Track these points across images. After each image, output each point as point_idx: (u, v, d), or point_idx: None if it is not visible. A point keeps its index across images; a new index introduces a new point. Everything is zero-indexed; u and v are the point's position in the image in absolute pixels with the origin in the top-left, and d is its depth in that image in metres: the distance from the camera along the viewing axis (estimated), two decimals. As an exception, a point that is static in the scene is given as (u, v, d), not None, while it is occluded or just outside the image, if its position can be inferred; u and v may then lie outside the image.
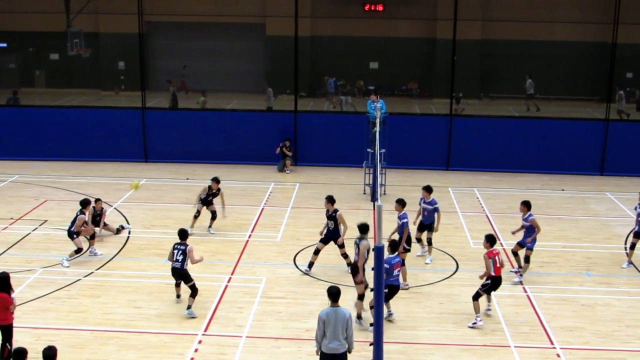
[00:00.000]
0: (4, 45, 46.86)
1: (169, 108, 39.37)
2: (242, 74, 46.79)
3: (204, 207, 24.95)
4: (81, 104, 41.13)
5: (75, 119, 35.29)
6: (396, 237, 20.35)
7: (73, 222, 22.16)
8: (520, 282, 20.99)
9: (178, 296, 19.41)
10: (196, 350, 17.00)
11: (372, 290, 14.48)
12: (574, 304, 19.82)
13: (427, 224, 22.40)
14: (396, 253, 18.36)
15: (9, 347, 15.50)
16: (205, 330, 17.94)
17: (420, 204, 22.63)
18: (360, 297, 18.13)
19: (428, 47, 47.14)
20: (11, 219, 25.95)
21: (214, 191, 24.97)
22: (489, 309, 18.93)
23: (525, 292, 20.41)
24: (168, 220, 26.08)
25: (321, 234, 21.67)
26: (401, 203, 21.04)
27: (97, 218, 23.58)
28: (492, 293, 19.16)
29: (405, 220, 20.71)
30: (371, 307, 17.17)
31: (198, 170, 32.78)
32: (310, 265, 21.66)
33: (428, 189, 22.47)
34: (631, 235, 23.32)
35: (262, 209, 27.84)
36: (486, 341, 17.67)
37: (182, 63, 47.91)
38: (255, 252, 23.30)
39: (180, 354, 16.80)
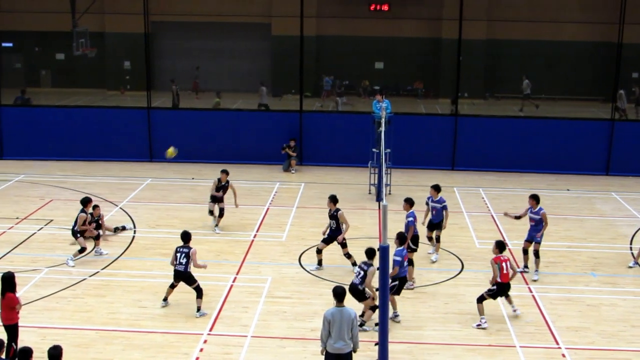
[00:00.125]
0: (10, 45, 46.90)
1: (171, 107, 39.45)
2: (247, 73, 46.81)
3: (215, 205, 25.04)
4: (87, 104, 41.18)
5: (81, 118, 35.35)
6: None
7: (76, 222, 22.24)
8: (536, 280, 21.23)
9: (165, 299, 19.23)
10: (201, 349, 17.01)
11: (377, 289, 14.44)
12: (579, 304, 19.80)
13: (437, 222, 22.54)
14: (404, 246, 18.58)
15: (14, 346, 15.52)
16: (211, 330, 17.96)
17: (427, 203, 22.72)
18: (372, 308, 18.07)
19: (433, 47, 47.15)
20: (17, 218, 25.99)
21: (223, 183, 25.00)
22: (515, 310, 18.83)
23: (531, 292, 20.40)
24: (173, 220, 26.11)
25: (324, 233, 21.72)
26: (409, 202, 21.13)
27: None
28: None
29: (410, 219, 20.73)
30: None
31: (203, 170, 32.81)
32: (320, 262, 21.74)
33: (436, 188, 22.58)
34: (638, 234, 23.29)
35: (268, 208, 27.86)
36: (491, 341, 17.66)
37: (188, 63, 47.99)
38: (261, 251, 23.31)
39: (185, 354, 16.80)
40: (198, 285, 18.78)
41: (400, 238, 18.76)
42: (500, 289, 18.38)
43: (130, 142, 34.88)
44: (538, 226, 21.34)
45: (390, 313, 18.45)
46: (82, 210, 22.38)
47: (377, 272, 15.04)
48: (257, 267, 21.97)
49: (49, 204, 27.65)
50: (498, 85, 46.92)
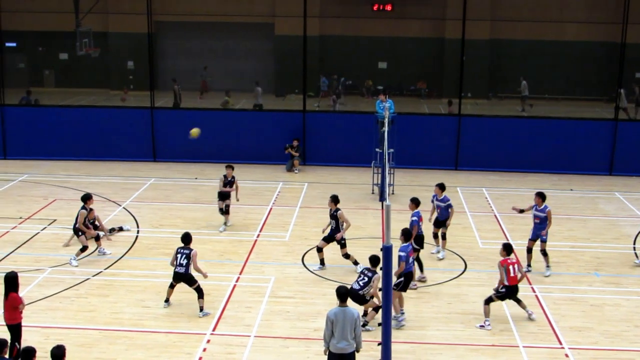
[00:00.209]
0: (14, 44, 46.91)
1: (174, 107, 39.48)
2: (250, 73, 46.81)
3: (223, 203, 25.19)
4: (90, 104, 41.21)
5: (84, 118, 35.35)
6: None
7: (77, 219, 22.27)
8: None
9: (167, 300, 19.22)
10: (204, 349, 17.02)
11: (380, 290, 14.45)
12: (582, 304, 19.79)
13: (442, 220, 22.72)
14: (409, 242, 18.64)
15: (17, 346, 15.54)
16: (214, 330, 17.96)
17: (432, 202, 22.79)
18: (375, 308, 18.07)
19: (437, 47, 47.13)
20: (20, 218, 26.01)
21: (230, 179, 25.09)
22: (531, 314, 18.79)
23: (534, 292, 20.38)
24: (177, 220, 26.12)
25: (323, 232, 21.82)
26: (415, 202, 21.19)
27: (80, 233, 22.83)
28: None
29: (414, 219, 20.74)
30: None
31: (206, 170, 32.83)
32: (322, 261, 21.78)
33: (441, 187, 22.71)
34: None
35: (271, 208, 27.86)
36: (494, 341, 17.65)
37: (191, 63, 47.98)
38: (264, 251, 23.32)
39: (188, 354, 16.82)
40: (198, 286, 18.77)
41: (406, 234, 18.78)
42: (508, 291, 18.36)
43: (134, 142, 34.88)
44: (542, 224, 21.36)
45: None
46: (83, 207, 22.38)
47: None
48: (260, 267, 21.97)
49: (52, 204, 27.67)
50: (501, 85, 46.88)
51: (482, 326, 18.26)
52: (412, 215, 20.90)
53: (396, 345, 16.29)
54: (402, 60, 47.80)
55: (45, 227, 25.01)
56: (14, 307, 15.61)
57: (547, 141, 33.73)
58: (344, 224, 21.40)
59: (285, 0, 44.04)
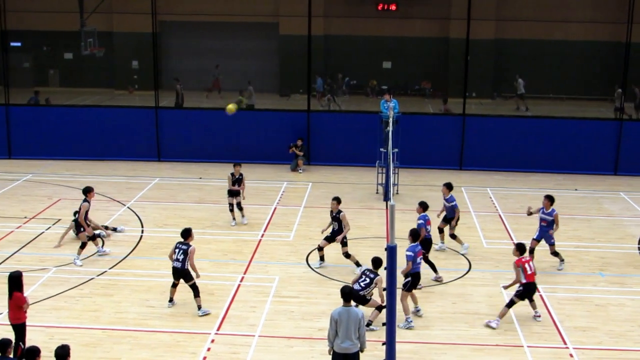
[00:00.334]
0: (18, 44, 46.96)
1: (176, 107, 39.50)
2: (255, 73, 46.83)
3: (233, 199, 25.36)
4: (94, 103, 41.23)
5: (89, 118, 35.41)
6: None
7: (78, 212, 22.30)
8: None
9: (171, 300, 19.21)
10: (209, 349, 17.02)
11: (384, 289, 14.44)
12: (587, 304, 19.77)
13: (450, 218, 22.94)
14: (417, 242, 18.66)
15: (22, 346, 15.54)
16: (218, 330, 17.96)
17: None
18: (378, 308, 18.07)
19: (441, 46, 47.10)
20: (25, 217, 26.05)
21: (238, 176, 25.24)
22: (538, 315, 18.79)
23: (539, 291, 20.30)
24: (181, 219, 26.10)
25: (322, 232, 21.91)
26: (422, 205, 21.18)
27: (82, 229, 22.72)
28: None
29: (421, 222, 20.72)
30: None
31: (211, 170, 32.85)
32: (322, 258, 21.87)
33: (448, 186, 22.89)
34: None
35: (275, 208, 27.87)
36: (499, 341, 17.63)
37: (195, 62, 47.99)
38: (268, 251, 23.32)
39: (192, 353, 16.82)
40: (194, 283, 18.74)
41: (414, 234, 18.77)
42: (526, 289, 18.34)
43: (138, 141, 34.91)
44: (549, 227, 21.48)
45: (412, 308, 18.71)
46: (85, 200, 22.34)
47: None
48: (264, 267, 21.97)
49: (57, 204, 27.70)
50: (506, 85, 46.80)
51: (489, 323, 18.23)
52: (419, 219, 20.89)
53: (400, 345, 16.26)
54: (407, 60, 47.79)
55: (49, 227, 25.03)
56: (19, 306, 15.62)
57: (551, 141, 33.70)
58: (345, 226, 21.44)
59: (290, -1, 44.12)
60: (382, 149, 29.12)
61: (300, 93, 41.73)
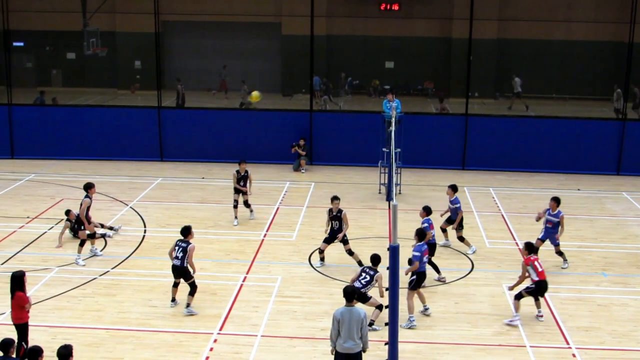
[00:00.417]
0: (21, 44, 46.99)
1: (177, 107, 39.51)
2: (257, 73, 46.83)
3: (239, 195, 25.47)
4: (97, 103, 41.26)
5: (91, 118, 35.40)
6: None
7: (80, 207, 22.33)
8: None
9: (173, 300, 19.21)
10: (211, 349, 17.02)
11: (387, 289, 14.42)
12: (590, 304, 19.75)
13: (453, 220, 22.98)
14: (424, 241, 18.68)
15: (24, 345, 15.56)
16: (221, 329, 17.96)
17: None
18: (378, 307, 18.07)
19: (444, 46, 47.09)
20: (27, 217, 26.06)
21: (243, 173, 25.34)
22: (541, 315, 18.75)
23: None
24: (184, 219, 26.05)
25: (326, 232, 21.88)
26: (426, 210, 21.19)
27: (76, 227, 23.02)
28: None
29: (425, 226, 20.70)
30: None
31: (214, 169, 32.85)
32: (322, 259, 21.93)
33: (453, 188, 22.98)
34: None
35: (278, 208, 27.86)
36: (501, 341, 17.62)
37: (198, 62, 48.00)
38: (271, 251, 23.32)
39: (195, 353, 16.82)
40: (193, 282, 18.74)
41: (420, 234, 18.80)
42: (538, 287, 18.36)
43: (141, 141, 34.90)
44: (554, 229, 21.52)
45: (421, 307, 18.79)
46: (86, 196, 22.33)
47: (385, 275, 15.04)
48: (267, 267, 21.97)
49: (60, 203, 27.68)
50: (508, 85, 46.75)
51: (510, 322, 18.23)
52: (423, 222, 20.89)
53: (403, 344, 16.26)
54: (409, 60, 47.78)
55: (52, 227, 25.02)
56: (21, 306, 15.63)
57: (554, 141, 33.66)
58: (345, 225, 21.48)
59: (292, -1, 44.11)
60: (384, 149, 29.09)
61: (303, 93, 41.72)
